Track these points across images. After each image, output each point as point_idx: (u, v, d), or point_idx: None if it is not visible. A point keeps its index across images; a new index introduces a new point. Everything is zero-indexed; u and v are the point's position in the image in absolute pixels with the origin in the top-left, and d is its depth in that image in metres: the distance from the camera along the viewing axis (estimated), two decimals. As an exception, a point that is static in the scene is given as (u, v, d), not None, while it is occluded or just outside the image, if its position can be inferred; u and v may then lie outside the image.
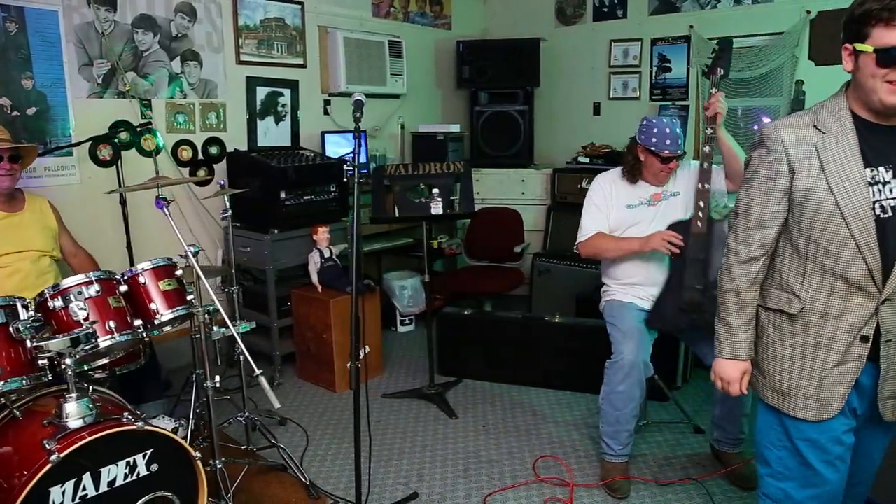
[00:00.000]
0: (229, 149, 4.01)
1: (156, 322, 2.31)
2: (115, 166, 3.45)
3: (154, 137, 3.64)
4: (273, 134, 4.28)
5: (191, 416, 2.70)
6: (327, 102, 4.57)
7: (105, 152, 3.48)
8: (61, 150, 3.32)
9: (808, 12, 4.07)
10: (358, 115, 2.19)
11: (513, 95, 5.11)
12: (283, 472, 2.71)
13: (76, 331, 1.96)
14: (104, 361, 2.32)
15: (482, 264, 4.64)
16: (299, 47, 4.36)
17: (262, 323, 3.69)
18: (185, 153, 3.87)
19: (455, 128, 4.90)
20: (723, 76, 2.52)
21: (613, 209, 2.74)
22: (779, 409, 1.66)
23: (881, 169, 1.51)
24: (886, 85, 1.43)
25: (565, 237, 4.28)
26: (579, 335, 3.49)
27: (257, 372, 2.08)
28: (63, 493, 1.74)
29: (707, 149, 2.46)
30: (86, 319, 2.07)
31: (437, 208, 3.30)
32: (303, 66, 4.40)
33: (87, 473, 1.79)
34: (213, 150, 3.98)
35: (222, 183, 3.16)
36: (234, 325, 2.29)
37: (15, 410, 1.95)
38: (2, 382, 1.89)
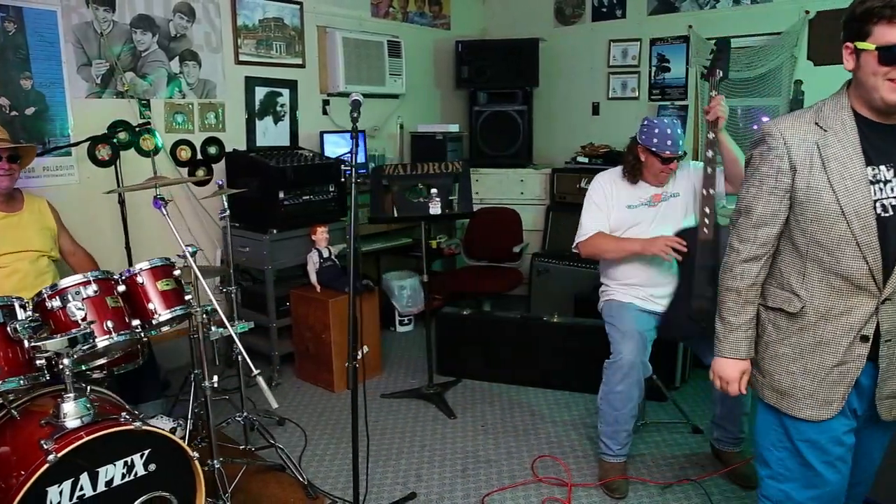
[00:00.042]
0: (228, 149, 4.01)
1: (154, 322, 2.32)
2: (113, 166, 3.45)
3: (153, 137, 3.64)
4: (272, 134, 4.28)
5: (189, 416, 2.69)
6: (326, 102, 4.57)
7: (104, 152, 3.48)
8: (60, 150, 3.32)
9: (807, 12, 4.07)
10: (355, 115, 2.19)
11: (512, 95, 5.11)
12: (282, 471, 2.71)
13: (74, 331, 1.96)
14: (102, 361, 2.32)
15: (481, 264, 4.64)
16: (298, 47, 4.36)
17: (261, 323, 3.69)
18: (184, 153, 3.87)
19: (454, 128, 4.90)
20: (722, 78, 2.49)
21: (614, 209, 2.73)
22: (778, 408, 1.66)
23: (882, 167, 1.50)
24: (888, 83, 1.43)
25: (564, 237, 4.27)
26: (578, 335, 3.49)
27: (255, 372, 2.09)
28: (60, 492, 1.74)
29: (710, 153, 2.43)
30: (83, 319, 2.07)
31: (435, 208, 3.30)
32: (301, 66, 4.40)
33: (85, 473, 1.79)
34: (212, 150, 3.99)
35: (220, 183, 3.16)
36: (232, 325, 2.29)
37: (13, 410, 1.95)
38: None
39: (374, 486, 2.64)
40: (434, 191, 3.30)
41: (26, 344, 1.94)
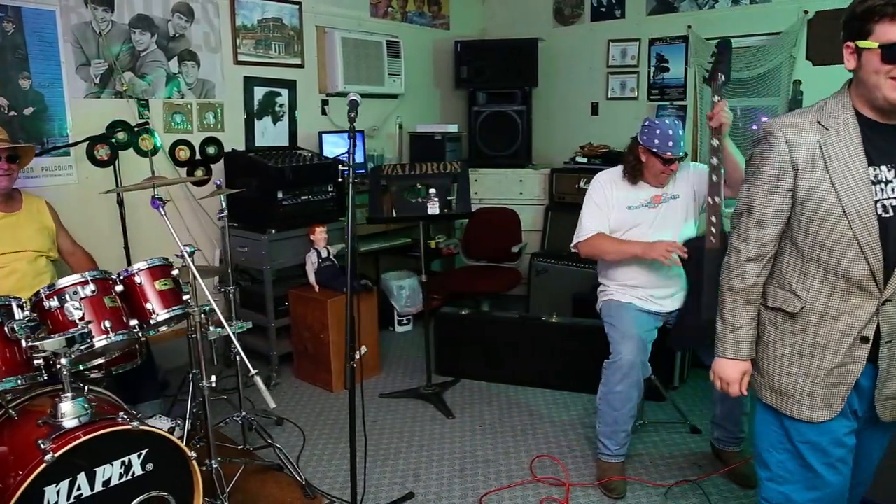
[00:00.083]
0: (227, 149, 4.01)
1: (151, 322, 2.32)
2: (112, 166, 3.45)
3: (151, 137, 3.64)
4: (271, 134, 4.28)
5: (187, 416, 2.69)
6: (325, 102, 4.57)
7: (102, 152, 3.48)
8: (58, 149, 3.32)
9: (806, 12, 4.07)
10: (352, 115, 2.19)
11: (511, 95, 5.11)
12: (280, 471, 2.71)
13: (71, 331, 1.96)
14: (100, 361, 2.33)
15: (480, 264, 4.64)
16: (297, 47, 4.36)
17: (260, 323, 3.69)
18: (183, 153, 3.87)
19: (453, 128, 4.90)
20: (724, 82, 2.43)
21: (614, 209, 2.72)
22: (777, 409, 1.65)
23: (883, 168, 1.49)
24: (891, 81, 1.42)
25: (563, 237, 4.26)
26: (576, 335, 3.50)
27: (253, 372, 2.09)
28: (58, 492, 1.74)
29: (715, 161, 2.39)
30: (81, 319, 2.07)
31: (433, 208, 3.30)
32: (300, 66, 4.40)
33: (82, 473, 1.79)
34: (211, 150, 3.99)
35: (218, 183, 3.16)
36: (230, 325, 2.29)
37: (10, 410, 1.95)
38: (-3, 382, 1.89)
39: (371, 486, 2.64)
40: (432, 191, 3.30)
41: (24, 344, 1.94)
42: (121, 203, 3.43)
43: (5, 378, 1.90)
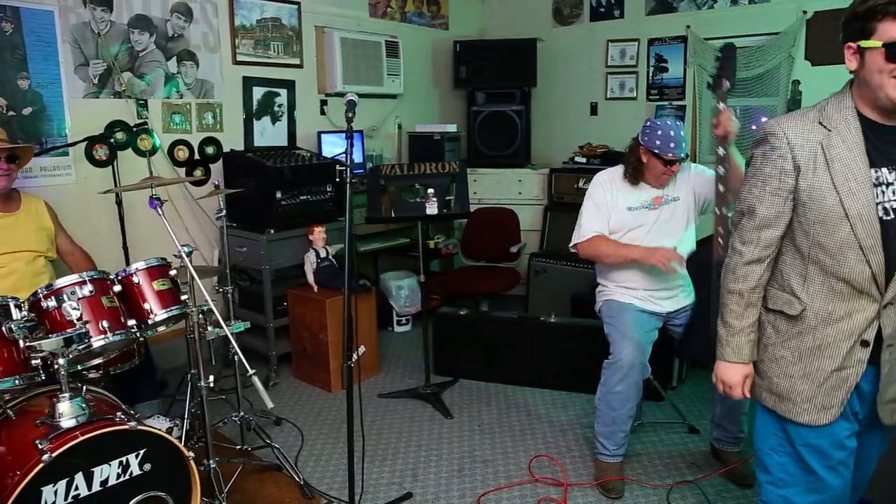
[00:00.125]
0: (226, 149, 4.01)
1: (149, 322, 2.31)
2: (111, 166, 3.45)
3: (150, 137, 3.65)
4: (269, 134, 4.29)
5: (186, 416, 2.70)
6: (324, 102, 4.57)
7: (101, 152, 3.48)
8: (57, 150, 3.33)
9: (805, 12, 4.07)
10: (350, 115, 2.19)
11: (510, 95, 5.12)
12: (278, 471, 2.71)
13: (69, 331, 1.97)
14: (98, 361, 2.33)
15: (479, 264, 4.64)
16: (296, 47, 4.36)
17: (259, 323, 3.69)
18: (182, 153, 3.87)
19: (452, 128, 4.90)
20: (729, 89, 2.40)
21: (614, 211, 2.71)
22: (776, 411, 1.64)
23: (884, 170, 1.48)
24: (894, 80, 1.40)
25: (562, 237, 4.27)
26: (575, 335, 3.50)
27: (250, 372, 2.09)
28: (55, 492, 1.74)
29: (721, 170, 2.35)
30: (79, 319, 2.07)
31: (432, 208, 3.30)
32: (299, 66, 4.40)
33: (80, 473, 1.79)
34: (210, 150, 3.99)
35: (216, 183, 3.17)
36: (227, 325, 2.29)
37: (8, 410, 1.95)
38: (-5, 382, 1.89)
39: (370, 486, 2.65)
40: (431, 191, 3.30)
41: (21, 344, 1.94)
42: (119, 203, 3.43)
43: (3, 378, 1.90)
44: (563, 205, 4.67)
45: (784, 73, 4.20)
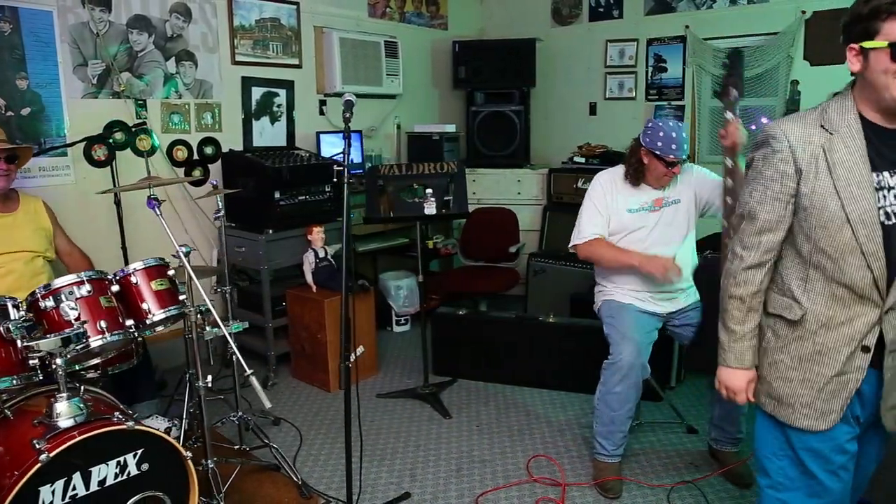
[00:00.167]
0: (224, 149, 4.01)
1: (147, 322, 2.32)
2: (109, 167, 3.45)
3: (149, 138, 3.64)
4: (268, 134, 4.29)
5: (184, 416, 2.70)
6: (323, 103, 4.58)
7: (100, 153, 3.48)
8: (56, 150, 3.33)
9: (804, 12, 4.08)
10: (348, 115, 2.19)
11: (509, 95, 5.12)
12: (276, 471, 2.71)
13: (67, 331, 1.97)
14: (96, 361, 2.33)
15: (478, 264, 4.65)
16: (295, 47, 4.37)
17: (257, 323, 3.69)
18: (181, 153, 3.87)
19: (451, 128, 4.91)
20: (738, 97, 2.36)
21: (614, 212, 2.70)
22: (775, 416, 1.63)
23: (886, 174, 1.45)
24: None
25: (561, 237, 4.27)
26: (574, 335, 3.50)
27: (248, 372, 2.09)
28: (53, 492, 1.75)
29: (729, 182, 2.32)
30: (77, 319, 2.07)
31: (430, 208, 3.30)
32: (298, 66, 4.40)
33: (78, 473, 1.79)
34: (209, 150, 3.99)
35: (215, 183, 3.17)
36: (226, 325, 2.29)
37: (6, 410, 1.95)
38: (-8, 382, 1.89)
39: (368, 486, 2.65)
40: (429, 191, 3.31)
41: (19, 344, 1.95)
42: (118, 203, 3.43)
43: (1, 378, 1.91)
44: (562, 205, 4.67)
45: (783, 73, 4.21)
